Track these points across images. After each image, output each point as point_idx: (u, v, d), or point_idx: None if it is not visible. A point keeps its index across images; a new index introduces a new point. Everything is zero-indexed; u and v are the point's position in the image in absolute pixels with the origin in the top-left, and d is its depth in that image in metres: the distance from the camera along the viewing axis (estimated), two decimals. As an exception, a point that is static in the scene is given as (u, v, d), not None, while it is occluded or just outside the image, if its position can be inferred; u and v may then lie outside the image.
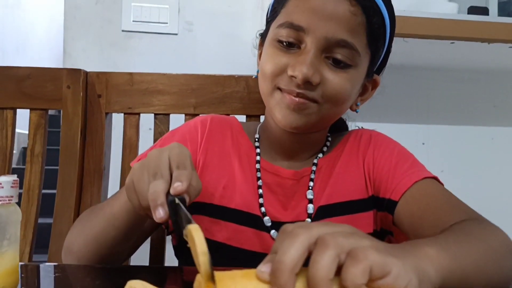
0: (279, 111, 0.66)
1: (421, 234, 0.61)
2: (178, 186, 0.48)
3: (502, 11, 1.39)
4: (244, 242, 0.71)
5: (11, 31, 3.61)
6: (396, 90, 1.78)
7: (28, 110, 0.95)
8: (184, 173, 0.49)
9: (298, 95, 0.64)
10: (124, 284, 0.43)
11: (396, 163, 0.71)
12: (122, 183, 0.96)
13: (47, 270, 0.61)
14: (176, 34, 1.61)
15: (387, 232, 0.73)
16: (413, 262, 0.36)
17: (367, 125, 1.82)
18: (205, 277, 0.33)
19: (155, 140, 0.98)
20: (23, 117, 0.99)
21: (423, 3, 1.39)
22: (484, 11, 1.35)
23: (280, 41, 0.65)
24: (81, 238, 0.66)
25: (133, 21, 1.58)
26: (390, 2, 0.69)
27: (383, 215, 0.71)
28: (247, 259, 0.70)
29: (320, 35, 0.62)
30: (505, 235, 0.54)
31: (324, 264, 0.32)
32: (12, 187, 0.47)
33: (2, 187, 0.46)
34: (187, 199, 0.49)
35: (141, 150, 0.98)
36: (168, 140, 0.78)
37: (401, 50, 1.47)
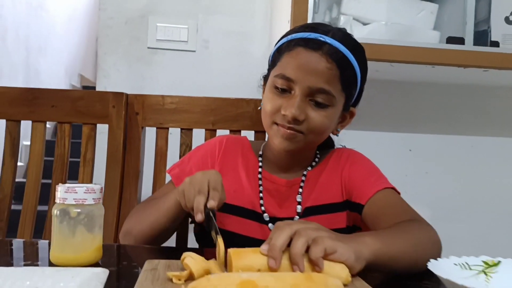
0: (276, 139, 0.90)
1: (378, 229, 0.85)
2: (211, 203, 0.73)
3: (477, 41, 1.61)
4: (249, 232, 0.95)
5: (35, 32, 3.83)
6: (386, 103, 1.99)
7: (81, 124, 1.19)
8: (217, 194, 0.74)
9: (289, 128, 0.87)
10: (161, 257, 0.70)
11: (365, 176, 0.94)
12: (154, 184, 1.20)
13: (111, 250, 0.85)
14: (194, 51, 1.84)
15: (357, 227, 0.96)
16: (354, 245, 0.61)
17: (362, 133, 2.05)
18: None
19: (180, 150, 1.22)
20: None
21: (410, 32, 1.60)
22: (460, 41, 1.57)
23: (276, 87, 0.88)
24: (139, 224, 0.90)
25: (157, 39, 1.81)
26: (362, 56, 0.91)
27: (354, 215, 0.95)
28: (251, 245, 0.94)
29: (305, 85, 0.85)
30: (433, 232, 0.78)
31: (299, 245, 0.56)
32: (100, 192, 0.71)
33: (95, 192, 0.70)
34: (216, 209, 0.74)
35: (169, 157, 1.23)
36: (194, 153, 1.03)
37: (388, 71, 1.70)
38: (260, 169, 0.99)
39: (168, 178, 1.16)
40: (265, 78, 0.97)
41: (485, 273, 0.62)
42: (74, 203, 0.69)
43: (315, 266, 0.57)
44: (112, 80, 1.76)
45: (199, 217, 0.72)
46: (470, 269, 0.62)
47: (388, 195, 0.90)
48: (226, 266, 0.60)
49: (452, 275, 0.59)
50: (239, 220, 0.95)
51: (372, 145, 2.01)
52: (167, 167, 1.21)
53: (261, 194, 0.96)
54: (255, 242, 0.95)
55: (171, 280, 0.57)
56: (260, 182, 0.98)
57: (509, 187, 2.06)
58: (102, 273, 0.59)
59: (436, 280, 0.70)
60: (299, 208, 0.95)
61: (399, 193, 0.92)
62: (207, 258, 0.61)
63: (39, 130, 1.19)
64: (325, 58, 0.84)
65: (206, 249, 0.90)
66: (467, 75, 1.71)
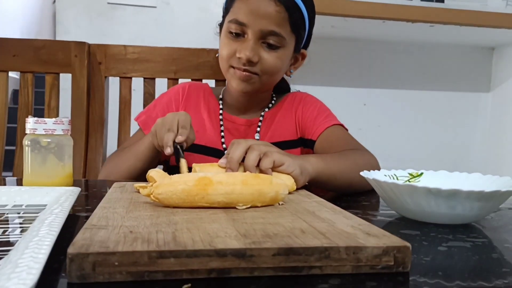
0: (234, 82, 0.97)
1: None
2: (179, 138, 0.79)
3: (424, -4, 1.71)
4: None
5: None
6: (342, 59, 2.09)
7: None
8: (185, 132, 0.80)
9: (245, 70, 0.94)
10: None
11: (316, 115, 1.03)
12: (119, 131, 1.26)
13: (81, 182, 0.91)
14: (155, 7, 1.86)
15: (310, 162, 1.06)
16: (299, 161, 0.70)
17: (318, 88, 2.14)
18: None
19: (144, 99, 1.27)
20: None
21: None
22: (408, -4, 1.66)
23: (230, 32, 0.95)
24: (116, 170, 0.95)
25: (117, -6, 1.82)
26: (309, 1, 0.99)
27: (307, 150, 1.04)
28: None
29: (257, 28, 0.92)
30: (373, 158, 0.88)
31: (252, 158, 0.65)
32: (68, 124, 0.77)
33: (63, 124, 0.76)
34: (184, 146, 0.80)
35: (133, 106, 1.28)
36: (159, 100, 1.09)
37: (343, 26, 1.79)
38: (221, 111, 1.06)
39: (133, 126, 1.22)
40: (220, 25, 1.03)
41: (409, 182, 0.72)
42: (44, 133, 0.74)
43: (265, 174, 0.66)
44: (73, 36, 1.76)
45: (168, 150, 0.77)
46: (397, 179, 0.72)
47: (337, 130, 1.00)
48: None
49: (382, 184, 0.70)
50: (202, 158, 1.02)
51: (328, 99, 2.12)
52: (132, 115, 1.26)
53: (222, 133, 1.04)
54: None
55: (138, 191, 0.64)
56: (221, 123, 1.05)
57: (454, 137, 2.23)
58: (74, 189, 0.66)
59: (374, 196, 0.81)
60: None
61: (346, 130, 1.02)
62: None
63: (1, 79, 1.21)
64: (273, 2, 0.91)
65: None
66: (415, 31, 1.82)
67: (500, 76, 2.18)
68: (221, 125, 1.05)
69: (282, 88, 1.13)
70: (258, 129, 1.05)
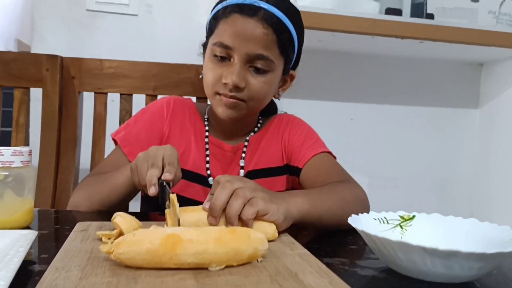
0: (219, 108, 0.90)
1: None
2: (167, 175, 0.70)
3: (414, 12, 1.67)
4: (193, 194, 0.96)
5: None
6: (329, 73, 2.04)
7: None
8: (172, 169, 0.72)
9: (231, 97, 0.88)
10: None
11: (303, 140, 0.97)
12: (93, 151, 1.18)
13: (46, 214, 0.84)
14: (136, 15, 1.79)
15: (295, 190, 1.00)
16: (284, 206, 0.64)
17: (305, 102, 2.09)
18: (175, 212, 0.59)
19: (121, 116, 1.20)
20: None
21: (350, 2, 1.64)
22: (398, 12, 1.62)
23: (215, 55, 0.88)
24: (87, 201, 0.86)
25: (96, 1, 1.74)
26: (297, 19, 0.92)
27: (293, 178, 0.98)
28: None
29: (243, 52, 0.86)
30: (360, 191, 0.83)
31: (235, 207, 0.58)
32: (29, 154, 0.70)
33: (23, 155, 0.69)
34: (171, 184, 0.72)
35: (109, 123, 1.20)
36: (141, 116, 1.01)
37: (330, 40, 1.74)
38: (207, 133, 1.00)
39: (108, 145, 1.15)
40: (204, 45, 0.97)
41: (401, 226, 0.67)
42: (1, 165, 0.67)
43: (245, 226, 0.59)
44: (50, 45, 1.68)
45: (152, 190, 0.69)
46: (388, 223, 0.67)
47: (324, 158, 0.94)
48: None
49: (370, 229, 0.64)
50: (184, 183, 0.96)
51: (315, 114, 2.07)
52: (107, 133, 1.19)
53: (207, 158, 0.98)
54: (198, 205, 0.99)
55: (100, 239, 0.57)
56: (207, 147, 0.99)
57: (442, 153, 2.20)
58: (30, 234, 0.59)
59: (358, 235, 0.76)
60: (241, 172, 0.97)
61: (334, 157, 0.96)
62: (153, 221, 0.62)
63: (-34, 94, 1.13)
64: (261, 24, 0.85)
65: (152, 213, 0.90)
66: (404, 46, 1.78)
67: (489, 92, 2.15)
68: (207, 149, 0.99)
69: (268, 110, 1.07)
70: (243, 154, 0.98)
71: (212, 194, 0.61)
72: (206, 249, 0.47)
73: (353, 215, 0.64)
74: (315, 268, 0.50)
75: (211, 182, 0.96)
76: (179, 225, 0.58)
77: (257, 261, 0.51)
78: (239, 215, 0.59)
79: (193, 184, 0.96)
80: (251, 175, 0.97)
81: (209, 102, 1.04)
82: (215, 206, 0.58)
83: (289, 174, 0.99)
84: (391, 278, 0.56)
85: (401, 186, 2.16)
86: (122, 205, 0.88)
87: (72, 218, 0.82)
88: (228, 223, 0.59)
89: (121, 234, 0.57)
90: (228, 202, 0.59)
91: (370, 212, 0.67)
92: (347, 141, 2.07)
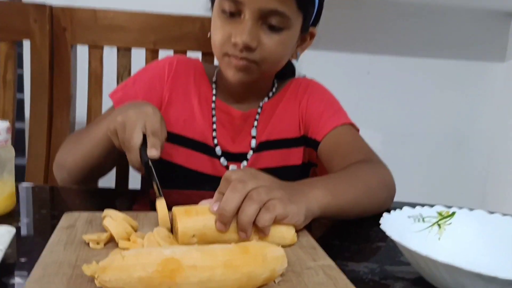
0: (229, 71, 0.79)
1: (332, 168, 0.79)
2: (153, 153, 0.62)
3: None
4: (198, 165, 0.87)
5: None
6: (343, 21, 1.88)
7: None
8: (158, 142, 0.63)
9: (242, 59, 0.76)
10: (99, 203, 0.61)
11: (323, 110, 0.86)
12: (89, 111, 1.08)
13: (29, 191, 0.75)
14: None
15: (313, 164, 0.91)
16: (305, 205, 0.54)
17: (319, 53, 1.94)
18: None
19: (118, 73, 1.08)
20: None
21: None
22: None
23: (224, 11, 0.76)
24: (71, 156, 0.79)
25: None
26: None
27: (310, 151, 0.88)
28: (200, 180, 0.87)
29: (255, 7, 0.73)
30: (386, 173, 0.73)
31: (248, 213, 0.49)
32: (7, 132, 0.60)
33: (0, 133, 0.59)
34: (158, 157, 0.63)
35: (105, 80, 1.09)
36: (140, 76, 0.91)
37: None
38: (214, 98, 0.89)
39: (106, 103, 1.04)
40: (212, 0, 0.83)
41: (439, 225, 0.58)
42: (-26, 146, 0.57)
43: (260, 233, 0.50)
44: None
45: (137, 170, 0.64)
46: (424, 221, 0.58)
47: (345, 132, 0.83)
48: (171, 226, 0.52)
49: (405, 230, 0.55)
50: (188, 153, 0.87)
51: (329, 66, 1.93)
52: (104, 92, 1.08)
53: (214, 126, 0.88)
54: (204, 177, 0.89)
55: (88, 244, 0.48)
56: (214, 113, 0.88)
57: (462, 110, 2.08)
58: (6, 234, 0.50)
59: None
60: (253, 142, 0.87)
61: (357, 130, 0.86)
62: (154, 201, 0.55)
63: None
64: None
65: (152, 191, 0.81)
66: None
67: (517, 45, 1.99)
68: (213, 116, 0.88)
69: (285, 72, 0.95)
70: (255, 123, 0.88)
71: (221, 193, 0.52)
72: (212, 276, 0.38)
73: (384, 214, 0.54)
74: (343, 286, 0.42)
75: (218, 153, 0.87)
76: (172, 230, 0.50)
77: (274, 282, 0.43)
78: (254, 221, 0.49)
79: (198, 154, 0.87)
80: (264, 146, 0.88)
81: (216, 63, 0.92)
82: (225, 211, 0.49)
83: (305, 146, 0.89)
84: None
85: (416, 143, 2.06)
86: (107, 163, 0.81)
87: (60, 201, 0.74)
88: (240, 230, 0.49)
89: (111, 238, 0.49)
90: (240, 206, 0.49)
91: (404, 209, 0.57)
92: (362, 96, 1.95)
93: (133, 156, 0.63)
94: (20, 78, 1.17)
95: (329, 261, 0.49)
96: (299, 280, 0.44)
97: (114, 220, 0.48)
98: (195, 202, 0.56)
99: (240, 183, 0.50)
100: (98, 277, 0.38)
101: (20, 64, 1.15)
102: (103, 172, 0.84)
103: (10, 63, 1.03)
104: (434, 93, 2.05)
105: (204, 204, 0.53)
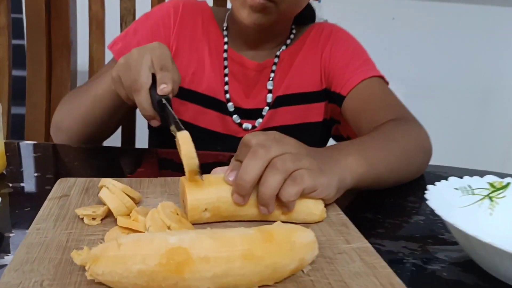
0: (242, 12, 0.69)
1: (359, 127, 0.70)
2: (164, 88, 0.53)
3: None
4: (208, 123, 0.79)
5: None
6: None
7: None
8: (168, 75, 0.54)
9: None
10: (102, 165, 0.54)
11: (349, 60, 0.76)
12: (91, 59, 0.99)
13: (28, 149, 0.68)
14: None
15: (335, 121, 0.82)
16: (337, 176, 0.46)
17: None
18: (192, 174, 0.41)
19: (121, 17, 0.98)
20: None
21: None
22: None
23: None
24: (69, 117, 0.71)
25: None
26: None
27: (333, 107, 0.79)
28: (211, 139, 0.80)
29: None
30: (423, 135, 0.64)
31: (271, 184, 0.41)
32: (-11, 85, 0.52)
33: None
34: (171, 96, 0.55)
35: (108, 25, 0.99)
36: (142, 23, 0.81)
37: None
38: (225, 46, 0.79)
39: (109, 52, 0.95)
40: None
41: (490, 198, 0.50)
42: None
43: (284, 207, 0.43)
44: None
45: (155, 123, 0.56)
46: (473, 193, 0.49)
47: (374, 85, 0.74)
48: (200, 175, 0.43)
49: (452, 204, 0.47)
50: (197, 109, 0.79)
51: (350, 11, 1.78)
52: (106, 38, 0.99)
53: (226, 79, 0.79)
54: (215, 136, 0.80)
55: (82, 218, 0.41)
56: (225, 63, 0.79)
57: (489, 62, 1.94)
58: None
59: (422, 197, 0.59)
60: (269, 97, 0.78)
61: (387, 83, 0.76)
62: (165, 163, 0.45)
63: None
64: None
65: (160, 150, 0.74)
66: None
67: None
68: (225, 67, 0.79)
69: (304, 17, 0.84)
70: (272, 74, 0.78)
71: (239, 161, 0.43)
72: (229, 270, 0.31)
73: (428, 186, 0.46)
74: (385, 277, 0.35)
75: (230, 109, 0.78)
76: (199, 171, 0.42)
77: (302, 271, 0.36)
78: (277, 194, 0.41)
79: (208, 110, 0.79)
80: (281, 101, 0.79)
81: (229, 6, 0.81)
82: (243, 181, 0.41)
83: (328, 102, 0.80)
84: (477, 281, 0.40)
85: (440, 96, 1.95)
86: (112, 122, 0.73)
87: (57, 162, 0.66)
88: (261, 204, 0.42)
89: (110, 212, 0.41)
90: (261, 176, 0.41)
91: (450, 180, 0.49)
92: (385, 45, 1.82)
93: (143, 98, 0.54)
94: (19, 23, 1.07)
95: (364, 243, 0.41)
96: (332, 269, 0.36)
97: (112, 193, 0.41)
98: (205, 163, 0.48)
99: (262, 148, 0.42)
100: (89, 269, 0.31)
101: (19, 8, 1.06)
102: (106, 134, 0.76)
103: (2, 6, 0.94)
104: (462, 42, 1.91)
105: (218, 173, 0.45)
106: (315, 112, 0.80)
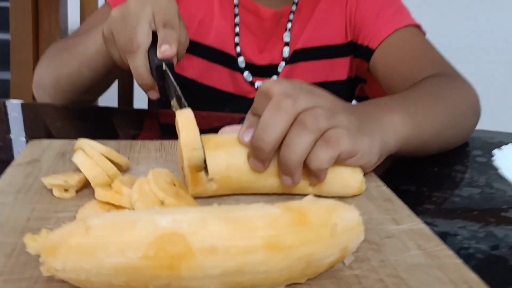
0: None
1: (393, 86, 0.60)
2: (166, 51, 0.42)
3: None
4: (216, 80, 0.70)
5: None
6: None
7: None
8: (172, 34, 0.43)
9: None
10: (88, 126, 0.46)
11: (380, 8, 0.65)
12: (82, 11, 0.88)
13: (14, 109, 0.59)
14: None
15: (361, 79, 0.72)
16: (379, 138, 0.36)
17: None
18: (194, 170, 0.32)
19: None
20: None
21: None
22: None
23: None
24: (53, 75, 0.61)
25: None
26: None
27: (359, 62, 0.69)
28: (219, 99, 0.70)
29: None
30: (472, 94, 0.54)
31: (299, 147, 0.31)
32: None
33: None
34: (175, 62, 0.44)
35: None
36: None
37: None
38: None
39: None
40: None
41: None
42: None
43: (313, 177, 0.33)
44: None
45: (153, 95, 0.45)
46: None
47: (410, 36, 0.63)
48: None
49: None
50: (204, 64, 0.69)
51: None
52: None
53: (237, 29, 0.68)
54: (223, 96, 0.70)
55: (51, 190, 0.32)
56: (236, 11, 0.68)
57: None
58: None
59: (470, 166, 0.49)
60: (286, 51, 0.68)
61: (424, 34, 0.65)
62: (165, 122, 0.39)
63: None
64: None
65: (161, 111, 0.64)
66: None
67: None
68: (236, 15, 0.68)
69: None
70: (289, 25, 0.68)
71: (256, 115, 0.33)
72: (245, 265, 0.21)
73: (495, 152, 0.36)
74: (458, 280, 0.25)
75: (241, 65, 0.68)
76: (205, 167, 0.32)
77: (343, 263, 0.26)
78: (305, 160, 0.31)
79: (216, 66, 0.69)
80: (300, 55, 0.68)
81: None
82: (263, 142, 0.31)
83: (353, 56, 0.69)
84: None
85: (465, 60, 1.82)
86: (99, 83, 0.61)
87: (37, 122, 0.57)
88: (284, 173, 0.32)
89: (87, 183, 0.32)
90: (285, 135, 0.31)
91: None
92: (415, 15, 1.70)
93: (139, 61, 0.44)
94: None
95: (418, 223, 0.32)
96: (381, 259, 0.27)
97: (90, 157, 0.31)
98: (213, 127, 0.38)
99: (287, 99, 0.31)
100: (44, 262, 0.22)
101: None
102: (96, 94, 0.66)
103: None
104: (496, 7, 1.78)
105: (228, 133, 0.35)
106: (338, 69, 0.70)
